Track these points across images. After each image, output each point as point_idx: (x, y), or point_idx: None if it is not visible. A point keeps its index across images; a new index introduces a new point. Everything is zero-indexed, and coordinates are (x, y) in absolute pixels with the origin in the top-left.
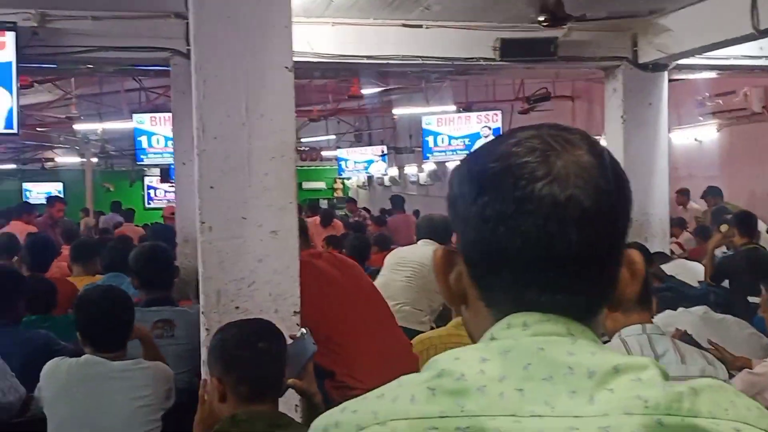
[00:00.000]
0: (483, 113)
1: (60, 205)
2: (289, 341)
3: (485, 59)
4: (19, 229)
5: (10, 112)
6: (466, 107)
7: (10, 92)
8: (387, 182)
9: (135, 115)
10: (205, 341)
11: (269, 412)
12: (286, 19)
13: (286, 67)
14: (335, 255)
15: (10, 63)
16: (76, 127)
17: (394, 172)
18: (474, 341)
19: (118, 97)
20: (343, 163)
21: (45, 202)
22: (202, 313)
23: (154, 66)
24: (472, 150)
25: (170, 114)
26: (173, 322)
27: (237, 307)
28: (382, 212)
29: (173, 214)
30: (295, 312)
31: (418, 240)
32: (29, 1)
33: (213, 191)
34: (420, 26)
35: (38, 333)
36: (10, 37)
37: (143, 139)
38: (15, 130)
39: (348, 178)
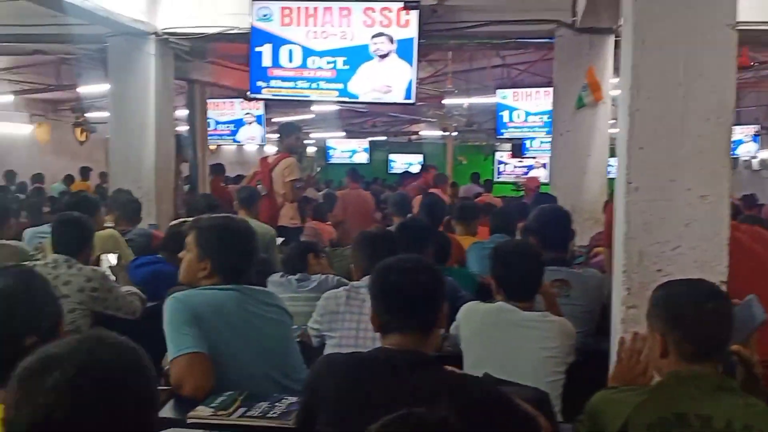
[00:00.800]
0: None
1: (432, 171)
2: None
3: None
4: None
5: (410, 84)
6: None
7: (411, 66)
8: (756, 166)
9: (499, 91)
10: (625, 300)
11: (714, 374)
12: None
13: (729, 25)
14: (755, 228)
15: (412, 39)
16: (446, 101)
17: (766, 155)
18: None
19: (483, 74)
20: None
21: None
22: (623, 272)
23: (538, 39)
24: None
25: (530, 90)
26: (569, 283)
27: (659, 270)
28: None
29: (538, 187)
30: (721, 281)
31: None
32: None
33: (642, 152)
34: None
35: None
36: (413, 15)
37: (505, 114)
38: (412, 101)
39: None
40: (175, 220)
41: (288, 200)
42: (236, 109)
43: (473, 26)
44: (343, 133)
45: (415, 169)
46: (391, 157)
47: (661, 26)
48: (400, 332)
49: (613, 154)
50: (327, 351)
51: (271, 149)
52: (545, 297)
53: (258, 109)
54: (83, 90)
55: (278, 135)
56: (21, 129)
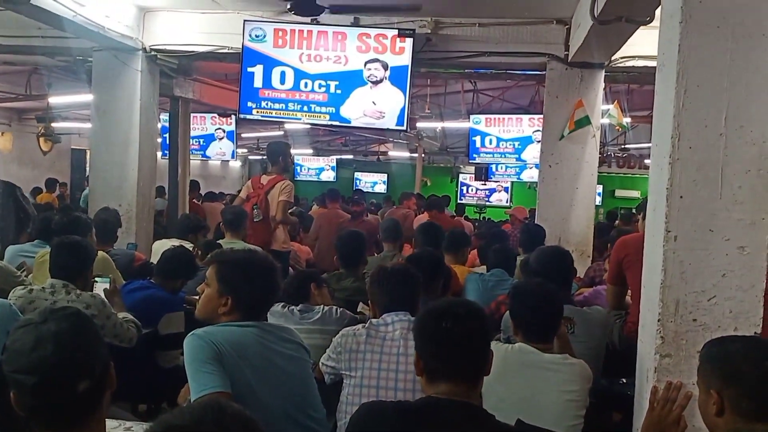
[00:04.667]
0: None
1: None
2: None
3: None
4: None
5: (403, 110)
6: None
7: (404, 93)
8: None
9: (472, 116)
10: (659, 348)
11: None
12: None
13: None
14: None
15: (406, 66)
16: (420, 125)
17: None
18: None
19: (456, 98)
20: None
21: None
22: (658, 320)
23: (529, 71)
24: None
25: (503, 116)
26: (573, 321)
27: (695, 320)
28: None
29: (526, 218)
30: (756, 333)
31: None
32: (427, 10)
33: (682, 201)
34: None
35: None
36: (408, 43)
37: (477, 138)
38: (404, 127)
39: None
40: (156, 239)
41: (278, 220)
42: (207, 124)
43: (467, 56)
44: (311, 151)
45: (380, 188)
46: (357, 175)
47: (704, 77)
48: (448, 380)
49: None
50: (346, 390)
51: (236, 164)
52: (560, 338)
53: (230, 125)
54: (53, 100)
55: (269, 156)
56: None
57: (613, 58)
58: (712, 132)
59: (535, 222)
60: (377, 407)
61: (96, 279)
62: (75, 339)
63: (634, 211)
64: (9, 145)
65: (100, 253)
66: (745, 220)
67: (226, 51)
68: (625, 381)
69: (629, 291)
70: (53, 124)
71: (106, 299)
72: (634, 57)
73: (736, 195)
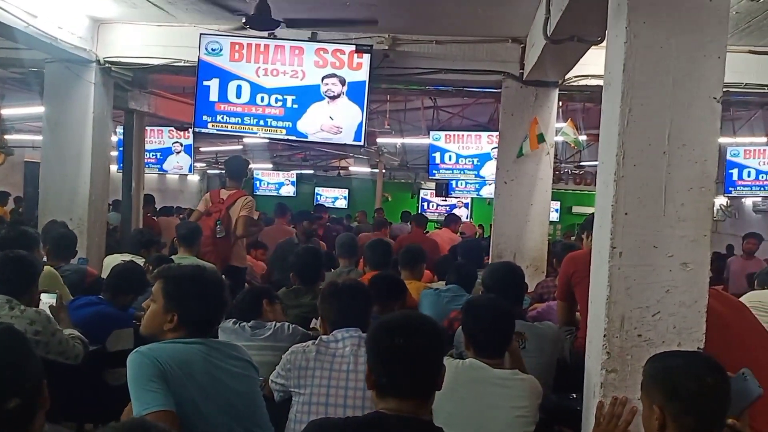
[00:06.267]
0: None
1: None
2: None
3: None
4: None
5: (360, 126)
6: None
7: (362, 109)
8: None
9: (432, 132)
10: (605, 364)
11: None
12: (721, 50)
13: (714, 98)
14: (718, 291)
15: (363, 82)
16: (380, 140)
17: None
18: None
19: (416, 114)
20: None
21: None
22: (604, 336)
23: (485, 88)
24: None
25: (462, 133)
26: (525, 336)
27: (639, 335)
28: None
29: (475, 233)
30: (699, 348)
31: None
32: (385, 27)
33: (627, 217)
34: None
35: None
36: (365, 59)
37: (437, 155)
38: (362, 143)
39: None
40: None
41: (238, 235)
42: (164, 137)
43: (423, 73)
44: (271, 165)
45: (341, 203)
46: (318, 190)
47: (648, 96)
48: (399, 396)
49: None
50: (295, 408)
51: (194, 178)
52: (511, 354)
53: (187, 138)
54: (6, 111)
55: (228, 171)
56: None
57: (567, 76)
58: (655, 150)
59: (491, 237)
60: (325, 424)
61: (42, 294)
62: (4, 356)
63: (577, 229)
64: None
65: (47, 268)
66: (688, 236)
67: (182, 64)
68: (575, 396)
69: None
70: (6, 137)
71: (51, 315)
72: (587, 76)
73: (679, 212)
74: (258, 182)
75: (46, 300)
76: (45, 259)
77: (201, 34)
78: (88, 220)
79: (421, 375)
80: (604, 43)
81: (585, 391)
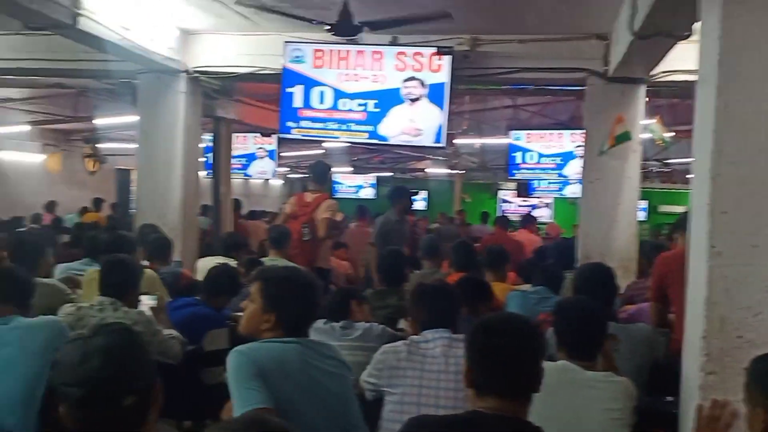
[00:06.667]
0: None
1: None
2: None
3: None
4: None
5: (440, 128)
6: None
7: (442, 110)
8: None
9: (512, 132)
10: (704, 366)
11: None
12: None
13: None
14: None
15: (443, 84)
16: (457, 141)
17: None
18: None
19: (495, 114)
20: None
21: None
22: (703, 337)
23: (568, 86)
24: None
25: (544, 132)
26: (617, 338)
27: (740, 337)
28: None
29: (559, 234)
30: None
31: None
32: (464, 27)
33: (725, 216)
34: None
35: None
36: (446, 61)
37: (517, 155)
38: (442, 144)
39: None
40: (200, 257)
41: (321, 237)
42: (249, 143)
43: (505, 72)
44: (351, 168)
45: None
46: None
47: (745, 92)
48: (497, 396)
49: None
50: (388, 407)
51: (277, 183)
52: (604, 356)
53: (271, 144)
54: (99, 121)
55: (313, 175)
56: (33, 158)
57: (653, 72)
58: (753, 147)
59: (577, 238)
60: (424, 420)
61: (143, 296)
62: (122, 354)
63: (667, 230)
64: (58, 165)
65: (147, 271)
66: None
67: (266, 72)
68: (670, 399)
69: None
70: (99, 145)
71: (152, 316)
72: (675, 71)
73: None
74: (338, 185)
75: (147, 301)
76: (144, 262)
77: (285, 42)
78: (181, 224)
79: (520, 375)
80: (693, 37)
81: (682, 393)
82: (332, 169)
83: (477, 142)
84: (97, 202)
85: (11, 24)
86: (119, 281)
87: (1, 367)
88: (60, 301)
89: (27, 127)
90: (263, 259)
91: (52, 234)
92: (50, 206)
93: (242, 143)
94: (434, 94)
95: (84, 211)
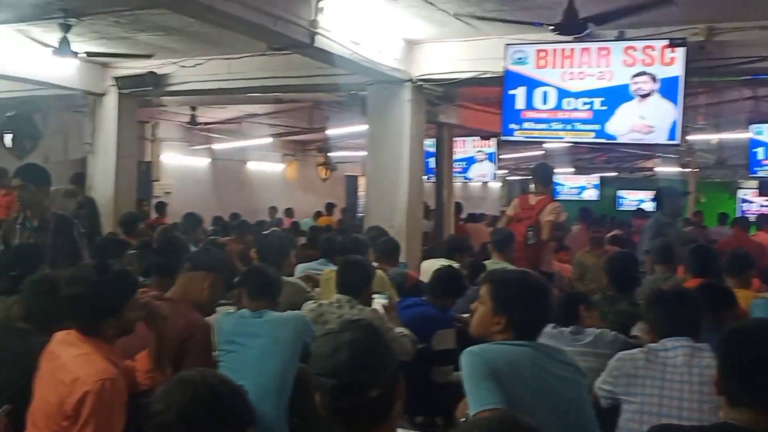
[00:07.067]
0: None
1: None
2: None
3: None
4: None
5: (674, 124)
6: None
7: (676, 105)
8: None
9: (752, 126)
10: None
11: None
12: None
13: None
14: None
15: (677, 77)
16: (690, 137)
17: None
18: None
19: (733, 107)
20: None
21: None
22: None
23: None
24: None
25: None
26: None
27: None
28: None
29: None
30: None
31: None
32: (697, 16)
33: None
34: None
35: None
36: (680, 53)
37: (759, 150)
38: (677, 141)
39: None
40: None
41: (544, 239)
42: (468, 147)
43: (745, 62)
44: (572, 169)
45: (647, 206)
46: (620, 193)
47: None
48: (752, 408)
49: None
50: (626, 415)
51: (496, 185)
52: None
53: (490, 146)
54: (331, 132)
55: (537, 177)
56: (274, 167)
57: None
58: None
59: None
60: (669, 429)
61: (374, 295)
62: (368, 348)
63: None
64: (295, 173)
65: (378, 271)
66: None
67: (487, 76)
68: None
69: None
70: (330, 154)
71: (384, 314)
72: None
73: None
74: (559, 186)
75: (379, 300)
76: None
77: (506, 44)
78: (406, 227)
79: None
80: None
81: None
82: (553, 170)
83: (714, 137)
84: (330, 207)
85: (257, 46)
86: (355, 280)
87: (256, 358)
88: (301, 298)
89: (269, 139)
90: (486, 262)
91: (291, 236)
92: (289, 212)
93: (461, 147)
94: (667, 88)
95: (318, 215)
